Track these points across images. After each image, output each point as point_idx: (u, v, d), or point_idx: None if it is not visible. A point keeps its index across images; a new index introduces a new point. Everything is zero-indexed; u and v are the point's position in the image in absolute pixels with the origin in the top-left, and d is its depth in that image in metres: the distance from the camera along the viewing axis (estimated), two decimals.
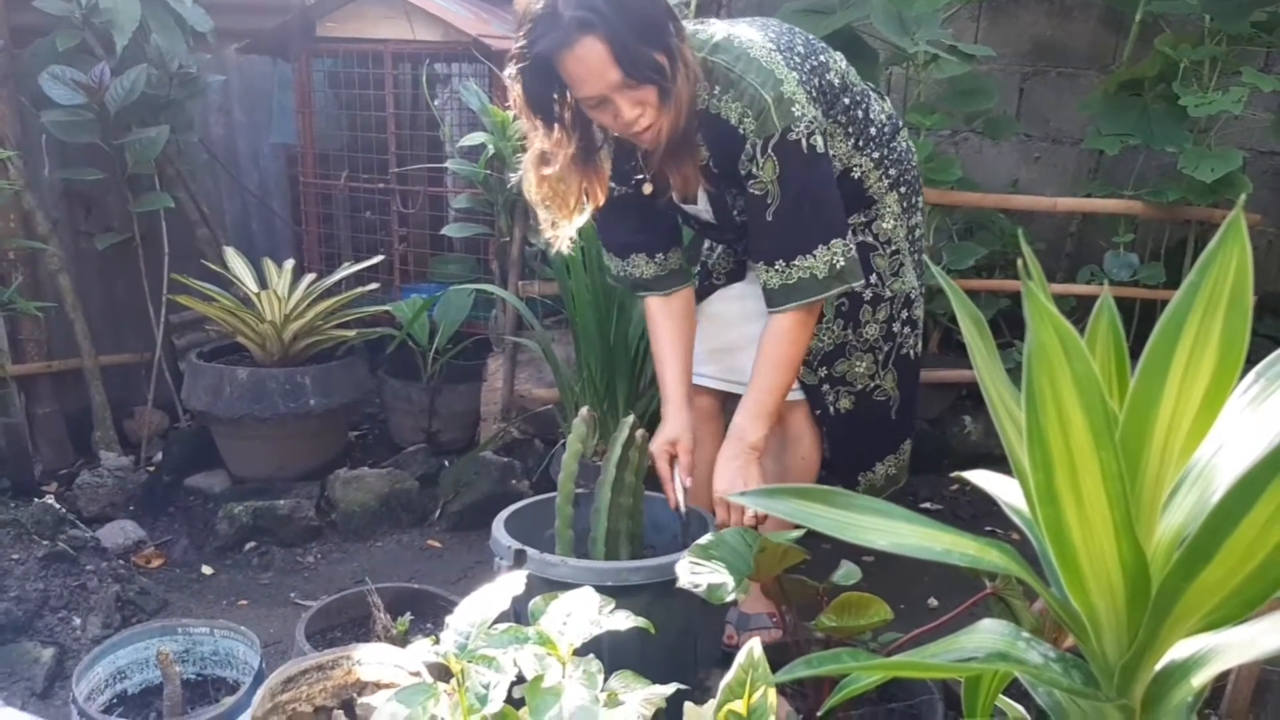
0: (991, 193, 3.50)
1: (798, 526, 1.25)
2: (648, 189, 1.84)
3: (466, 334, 3.08)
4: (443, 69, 3.35)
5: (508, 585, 1.25)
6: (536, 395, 2.97)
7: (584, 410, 1.87)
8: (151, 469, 2.91)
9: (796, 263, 1.72)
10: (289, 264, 2.90)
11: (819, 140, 1.70)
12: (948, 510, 2.89)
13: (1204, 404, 0.66)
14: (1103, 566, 0.68)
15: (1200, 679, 0.71)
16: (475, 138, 2.81)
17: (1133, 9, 3.13)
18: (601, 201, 1.80)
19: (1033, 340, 0.61)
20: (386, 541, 2.67)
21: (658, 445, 1.87)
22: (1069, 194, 3.36)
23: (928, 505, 2.95)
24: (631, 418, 1.84)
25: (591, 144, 1.75)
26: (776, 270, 1.73)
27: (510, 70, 1.65)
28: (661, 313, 1.96)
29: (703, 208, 1.88)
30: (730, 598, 1.42)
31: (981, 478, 0.95)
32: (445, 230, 3.03)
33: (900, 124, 2.00)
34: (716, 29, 1.75)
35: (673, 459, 1.87)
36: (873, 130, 1.90)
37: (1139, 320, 3.29)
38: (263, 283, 2.84)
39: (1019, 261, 0.64)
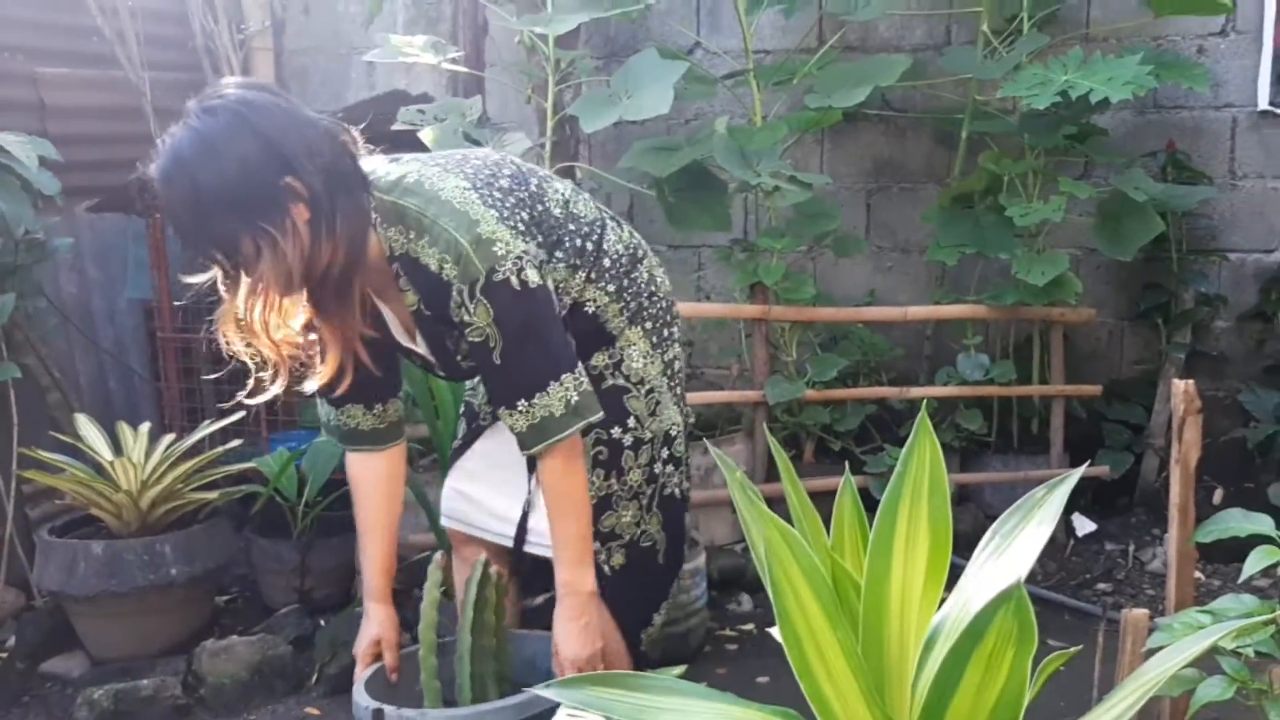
0: (851, 302, 3.67)
1: None
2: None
3: (339, 482, 3.02)
4: None
5: None
6: (413, 542, 2.92)
7: (437, 555, 1.85)
8: (4, 655, 2.75)
9: (536, 401, 1.68)
10: (144, 427, 2.82)
11: (531, 274, 1.66)
12: None
13: (929, 572, 0.70)
14: None
15: None
16: None
17: (959, 128, 3.36)
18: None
19: (763, 541, 0.64)
20: (261, 714, 2.54)
21: (361, 648, 1.81)
22: (923, 300, 3.53)
23: None
24: (484, 556, 1.84)
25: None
26: (520, 412, 1.69)
27: None
28: (369, 475, 1.88)
29: (421, 348, 1.83)
30: None
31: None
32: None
33: (642, 254, 1.92)
34: (408, 169, 1.70)
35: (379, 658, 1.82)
36: (606, 262, 1.84)
37: (999, 414, 3.45)
38: (118, 448, 2.75)
39: (736, 475, 0.69)
